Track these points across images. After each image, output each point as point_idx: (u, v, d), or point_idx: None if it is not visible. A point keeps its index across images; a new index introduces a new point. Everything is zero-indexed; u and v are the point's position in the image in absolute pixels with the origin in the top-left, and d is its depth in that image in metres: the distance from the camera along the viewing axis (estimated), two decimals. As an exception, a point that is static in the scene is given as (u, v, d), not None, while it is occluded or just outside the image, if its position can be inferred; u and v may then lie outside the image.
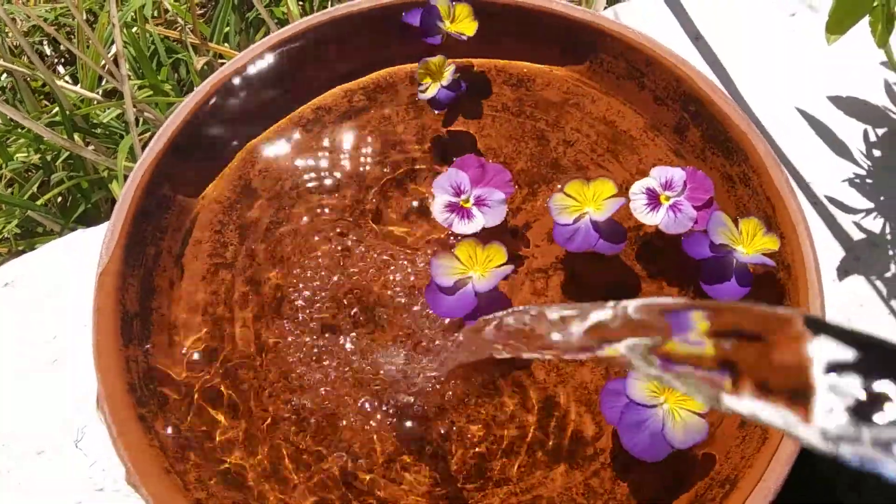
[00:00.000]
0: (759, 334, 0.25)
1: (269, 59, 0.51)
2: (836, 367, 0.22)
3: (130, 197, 0.46)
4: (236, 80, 0.50)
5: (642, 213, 0.46)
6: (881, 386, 0.20)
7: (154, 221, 0.47)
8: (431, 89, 0.49)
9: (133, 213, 0.46)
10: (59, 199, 0.87)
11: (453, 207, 0.46)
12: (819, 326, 0.23)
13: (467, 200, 0.46)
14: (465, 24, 0.50)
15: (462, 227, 0.46)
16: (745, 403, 0.23)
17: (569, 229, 0.45)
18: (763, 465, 0.41)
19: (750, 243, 0.45)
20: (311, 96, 0.51)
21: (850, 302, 0.50)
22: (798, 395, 0.22)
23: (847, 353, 0.22)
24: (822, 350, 0.23)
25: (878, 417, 0.20)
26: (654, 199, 0.46)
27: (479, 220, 0.46)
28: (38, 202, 0.82)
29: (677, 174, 0.47)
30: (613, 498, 0.42)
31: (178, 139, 0.48)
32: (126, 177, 0.78)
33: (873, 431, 0.20)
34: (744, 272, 0.45)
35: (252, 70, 0.51)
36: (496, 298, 0.44)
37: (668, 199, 0.46)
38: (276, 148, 0.50)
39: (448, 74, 0.49)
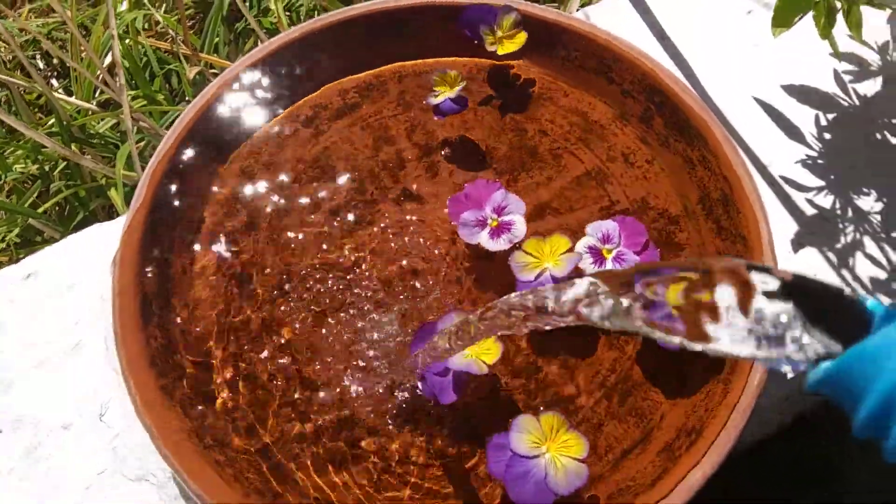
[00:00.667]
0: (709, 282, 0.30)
1: (271, 60, 0.55)
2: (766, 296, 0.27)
3: (144, 191, 0.50)
4: (240, 80, 0.55)
5: (593, 270, 0.49)
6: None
7: (167, 211, 0.51)
8: (440, 97, 0.54)
9: (149, 204, 0.50)
10: (57, 208, 0.91)
11: (494, 232, 0.50)
12: (754, 268, 0.28)
13: (493, 221, 0.50)
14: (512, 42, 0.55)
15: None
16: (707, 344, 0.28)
17: (531, 286, 0.47)
18: (725, 415, 0.46)
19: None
20: (308, 94, 0.56)
21: (804, 272, 0.55)
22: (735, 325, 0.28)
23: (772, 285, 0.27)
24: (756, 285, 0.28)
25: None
26: (598, 256, 0.49)
27: (517, 218, 0.50)
28: (38, 210, 0.85)
29: (611, 227, 0.49)
30: (592, 451, 0.46)
31: (186, 136, 0.52)
32: (125, 184, 0.82)
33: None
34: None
35: (255, 70, 0.55)
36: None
37: (609, 252, 0.49)
38: (276, 142, 0.54)
39: (458, 89, 0.54)
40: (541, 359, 0.48)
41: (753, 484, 0.77)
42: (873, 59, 0.62)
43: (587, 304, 0.33)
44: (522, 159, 0.55)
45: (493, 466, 0.42)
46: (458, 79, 0.54)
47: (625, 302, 0.30)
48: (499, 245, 0.49)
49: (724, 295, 0.28)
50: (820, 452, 0.80)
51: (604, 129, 0.56)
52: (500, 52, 0.55)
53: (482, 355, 0.44)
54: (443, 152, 0.55)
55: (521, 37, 0.55)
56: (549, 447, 0.42)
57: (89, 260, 0.54)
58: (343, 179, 0.53)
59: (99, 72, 0.89)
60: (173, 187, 0.51)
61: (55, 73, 1.03)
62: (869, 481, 0.78)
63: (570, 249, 0.48)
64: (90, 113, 0.90)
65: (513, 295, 0.37)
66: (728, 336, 0.27)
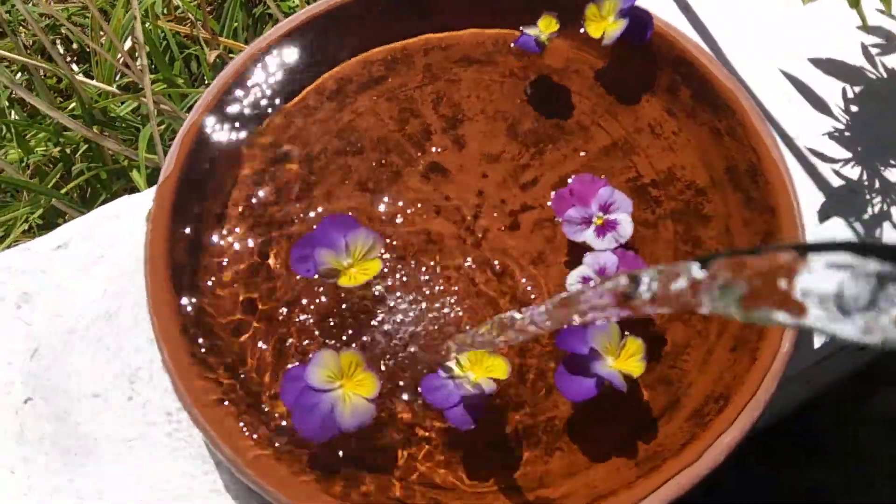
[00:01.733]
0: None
1: (297, 34, 0.56)
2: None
3: (174, 161, 0.50)
4: (267, 53, 0.55)
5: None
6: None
7: (197, 185, 0.51)
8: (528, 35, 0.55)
9: (178, 175, 0.50)
10: (79, 190, 0.91)
11: (600, 231, 0.49)
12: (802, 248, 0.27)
13: (598, 219, 0.49)
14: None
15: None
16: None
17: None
18: (754, 382, 0.46)
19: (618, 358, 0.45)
20: (334, 67, 0.56)
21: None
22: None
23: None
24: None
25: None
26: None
27: (625, 217, 0.49)
28: (61, 192, 0.86)
29: (610, 261, 0.48)
30: (617, 418, 0.46)
31: (215, 108, 0.52)
32: (147, 166, 0.82)
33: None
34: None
35: (281, 44, 0.55)
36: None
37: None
38: (304, 115, 0.54)
39: (549, 34, 0.54)
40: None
41: (769, 462, 0.77)
42: (901, 32, 0.62)
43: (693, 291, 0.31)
44: (549, 131, 0.55)
45: (285, 397, 0.44)
46: (552, 24, 0.55)
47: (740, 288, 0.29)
48: (604, 244, 0.49)
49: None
50: (842, 432, 0.80)
51: (630, 101, 0.56)
52: (594, 34, 0.55)
53: (491, 372, 0.44)
54: (469, 124, 0.55)
55: (621, 23, 0.54)
56: (343, 384, 0.43)
57: (118, 231, 0.55)
58: (369, 151, 0.54)
59: (120, 55, 0.89)
60: (202, 157, 0.51)
61: (76, 58, 1.03)
62: (892, 467, 0.78)
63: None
64: (111, 96, 0.91)
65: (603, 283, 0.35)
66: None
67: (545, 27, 0.55)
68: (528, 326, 0.39)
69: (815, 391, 0.73)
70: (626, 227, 0.49)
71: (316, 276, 0.46)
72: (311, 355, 0.44)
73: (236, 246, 0.50)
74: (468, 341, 0.44)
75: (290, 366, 0.46)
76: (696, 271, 0.30)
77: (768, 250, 0.28)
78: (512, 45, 0.56)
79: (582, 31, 0.55)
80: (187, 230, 0.50)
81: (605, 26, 0.55)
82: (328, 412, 0.43)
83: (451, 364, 0.44)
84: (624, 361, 0.44)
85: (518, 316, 0.40)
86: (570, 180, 0.52)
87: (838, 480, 0.78)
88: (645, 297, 0.33)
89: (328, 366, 0.43)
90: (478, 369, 0.44)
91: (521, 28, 0.56)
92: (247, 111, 0.54)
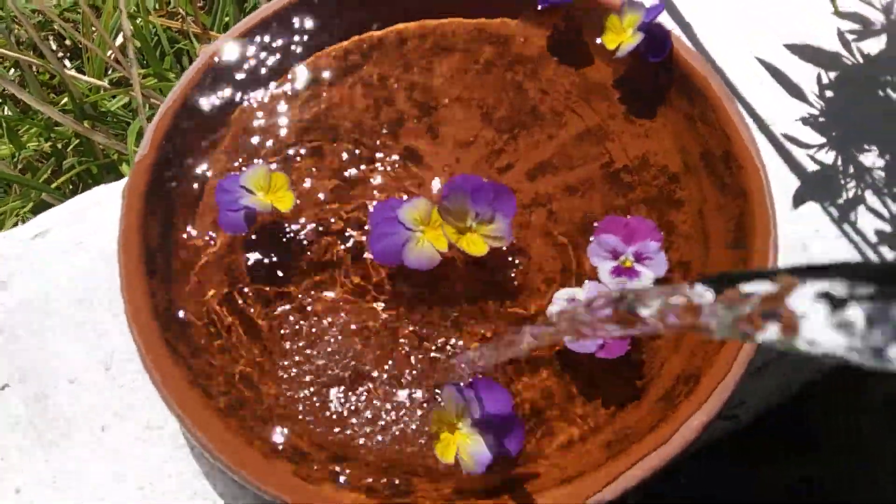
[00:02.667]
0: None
1: (270, 24, 0.56)
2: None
3: (149, 145, 0.51)
4: (238, 43, 0.55)
5: None
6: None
7: (171, 170, 0.51)
8: None
9: (152, 160, 0.51)
10: (71, 185, 0.92)
11: (618, 271, 0.48)
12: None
13: (627, 260, 0.48)
14: None
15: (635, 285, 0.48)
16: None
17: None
18: (723, 363, 0.46)
19: None
20: (309, 55, 0.56)
21: (806, 227, 0.55)
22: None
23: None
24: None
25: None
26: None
27: (648, 275, 0.48)
28: (52, 186, 0.86)
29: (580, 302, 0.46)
30: (588, 399, 0.47)
31: (190, 95, 0.53)
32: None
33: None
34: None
35: (257, 32, 0.56)
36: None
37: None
38: (279, 101, 0.55)
39: None
40: (540, 311, 0.49)
41: (753, 457, 0.77)
42: (878, 18, 0.62)
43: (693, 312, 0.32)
44: (523, 118, 0.55)
45: (372, 216, 0.49)
46: None
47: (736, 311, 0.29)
48: (612, 283, 0.48)
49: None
50: (838, 422, 0.79)
51: (605, 89, 0.56)
52: (609, 45, 0.55)
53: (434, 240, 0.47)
54: (443, 111, 0.55)
55: (638, 36, 0.54)
56: (425, 231, 0.48)
57: (99, 218, 0.55)
58: (343, 138, 0.54)
59: (110, 51, 0.90)
60: (175, 145, 0.52)
61: (68, 54, 1.04)
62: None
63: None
64: (102, 91, 0.91)
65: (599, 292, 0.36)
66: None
67: None
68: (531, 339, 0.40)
69: (806, 382, 0.73)
70: (641, 281, 0.48)
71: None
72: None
73: (209, 230, 0.51)
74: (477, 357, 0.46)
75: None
76: (702, 293, 0.31)
77: (765, 274, 0.28)
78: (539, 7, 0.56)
79: (563, 21, 0.56)
80: (160, 213, 0.50)
81: (622, 38, 0.54)
82: (398, 244, 0.47)
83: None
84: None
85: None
86: (629, 216, 0.51)
87: (835, 474, 0.77)
88: (646, 315, 0.33)
89: (419, 209, 0.48)
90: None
91: None
92: (221, 98, 0.54)
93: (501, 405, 0.43)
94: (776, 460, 0.76)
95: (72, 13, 1.02)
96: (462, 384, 0.43)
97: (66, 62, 1.02)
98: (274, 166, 0.53)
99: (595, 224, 0.51)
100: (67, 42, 1.03)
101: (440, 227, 0.47)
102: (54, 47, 1.03)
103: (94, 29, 0.93)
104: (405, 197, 0.51)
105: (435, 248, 0.47)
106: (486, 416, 0.42)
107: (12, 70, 1.00)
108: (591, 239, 0.50)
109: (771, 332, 0.27)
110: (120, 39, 0.95)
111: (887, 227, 0.55)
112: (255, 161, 0.53)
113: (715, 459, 0.74)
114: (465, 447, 0.42)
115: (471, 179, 0.48)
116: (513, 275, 0.50)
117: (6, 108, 0.95)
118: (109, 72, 0.95)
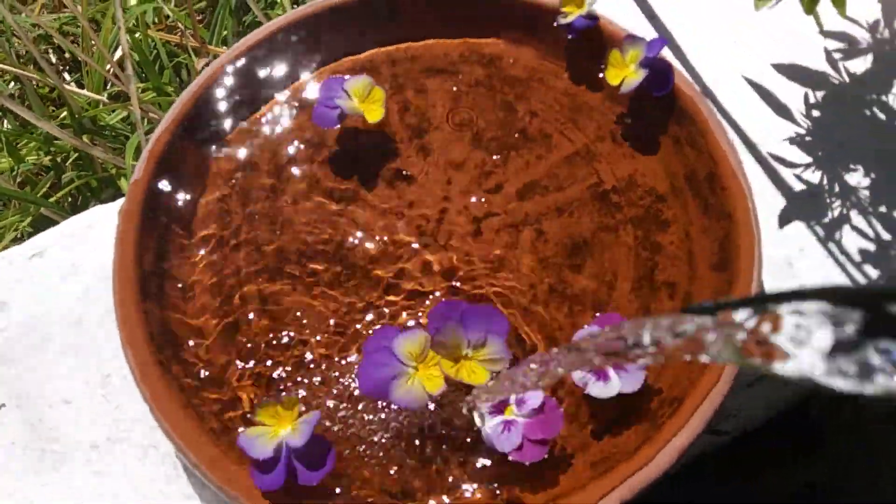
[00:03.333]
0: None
1: (266, 45, 0.57)
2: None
3: (143, 166, 0.52)
4: (234, 64, 0.56)
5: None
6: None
7: (166, 192, 0.52)
8: (571, 17, 0.55)
9: (146, 187, 0.51)
10: (70, 198, 0.93)
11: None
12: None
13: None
14: None
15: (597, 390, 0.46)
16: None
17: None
18: (707, 384, 0.46)
19: None
20: (302, 77, 0.57)
21: (793, 246, 0.55)
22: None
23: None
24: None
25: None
26: (499, 406, 0.45)
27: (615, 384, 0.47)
28: (51, 200, 0.87)
29: (535, 400, 0.45)
30: (575, 419, 0.47)
31: (183, 121, 0.54)
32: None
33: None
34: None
35: (249, 55, 0.57)
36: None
37: (511, 412, 0.45)
38: (271, 124, 0.56)
39: (587, 6, 0.55)
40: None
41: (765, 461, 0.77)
42: (863, 37, 0.62)
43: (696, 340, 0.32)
44: (512, 139, 0.56)
45: (367, 344, 0.46)
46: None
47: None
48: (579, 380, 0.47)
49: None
50: (840, 428, 0.79)
51: (593, 110, 0.57)
52: (612, 81, 0.55)
53: (426, 381, 0.45)
54: (434, 132, 0.56)
55: (641, 73, 0.54)
56: (418, 367, 0.45)
57: (93, 240, 0.56)
58: (336, 159, 0.55)
59: (109, 65, 0.91)
60: (171, 168, 0.53)
61: (67, 68, 1.05)
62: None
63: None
64: (101, 105, 0.92)
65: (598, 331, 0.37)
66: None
67: (579, 6, 0.55)
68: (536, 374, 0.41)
69: (803, 392, 0.73)
70: (605, 388, 0.46)
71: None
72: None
73: (203, 253, 0.51)
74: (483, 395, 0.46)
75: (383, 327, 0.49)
76: (700, 321, 0.31)
77: (754, 302, 0.29)
78: (554, 24, 0.57)
79: (552, 42, 0.57)
80: (155, 237, 0.51)
81: (625, 74, 0.55)
82: (387, 378, 0.44)
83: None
84: None
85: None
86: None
87: (838, 478, 0.77)
88: (648, 347, 0.34)
89: (416, 343, 0.45)
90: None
91: (556, 22, 0.56)
92: (215, 121, 0.55)
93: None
94: (780, 465, 0.77)
95: (71, 27, 1.03)
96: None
97: (66, 75, 1.03)
98: (268, 184, 0.54)
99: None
100: (67, 55, 1.04)
101: (435, 365, 0.45)
102: (54, 60, 1.04)
103: (93, 43, 0.94)
104: (400, 329, 0.47)
105: (426, 389, 0.44)
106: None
107: (12, 84, 1.01)
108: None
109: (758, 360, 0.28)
110: (119, 53, 0.96)
111: (872, 247, 0.55)
112: (254, 172, 0.54)
113: (717, 467, 0.75)
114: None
115: (454, 306, 0.46)
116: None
117: (6, 122, 0.96)
118: (108, 86, 0.96)
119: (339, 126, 0.55)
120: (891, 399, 0.25)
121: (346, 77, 0.55)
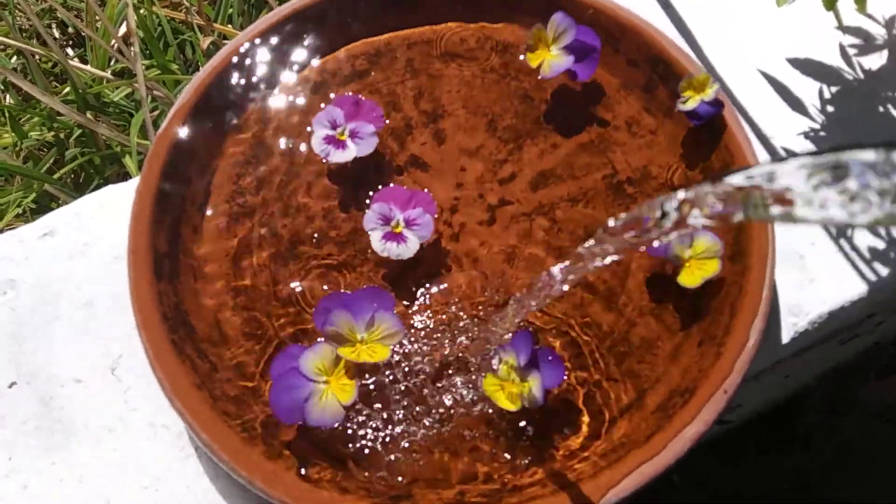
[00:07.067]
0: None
1: (281, 28, 0.56)
2: None
3: (158, 152, 0.51)
4: (251, 46, 0.56)
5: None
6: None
7: (179, 174, 0.52)
8: (692, 102, 0.53)
9: (160, 168, 0.51)
10: (73, 175, 0.92)
11: (330, 140, 0.52)
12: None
13: (343, 133, 0.52)
14: None
15: (337, 156, 0.52)
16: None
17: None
18: (718, 375, 0.47)
19: None
20: (317, 60, 0.57)
21: (804, 240, 0.56)
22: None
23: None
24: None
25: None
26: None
27: (352, 150, 0.52)
28: (54, 176, 0.87)
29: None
30: (587, 409, 0.48)
31: (198, 101, 0.53)
32: (139, 152, 0.83)
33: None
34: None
35: (265, 38, 0.56)
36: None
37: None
38: (287, 107, 0.55)
39: (711, 92, 0.52)
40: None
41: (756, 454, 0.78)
42: (879, 33, 0.62)
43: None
44: (527, 127, 0.56)
45: (273, 369, 0.46)
46: (709, 80, 0.53)
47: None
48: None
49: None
50: (827, 426, 0.81)
51: (608, 99, 0.57)
52: (532, 63, 0.55)
53: (338, 393, 0.45)
54: (449, 119, 0.56)
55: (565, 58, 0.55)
56: (329, 381, 0.45)
57: (103, 220, 0.56)
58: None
59: (114, 41, 0.90)
60: (185, 148, 0.52)
61: (70, 43, 1.04)
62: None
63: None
64: (105, 81, 0.91)
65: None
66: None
67: (700, 90, 0.53)
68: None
69: (800, 385, 0.74)
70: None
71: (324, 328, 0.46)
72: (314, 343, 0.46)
73: (217, 235, 0.51)
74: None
75: (289, 346, 0.48)
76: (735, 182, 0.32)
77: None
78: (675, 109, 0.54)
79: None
80: (169, 219, 0.51)
81: (546, 56, 0.54)
82: (301, 400, 0.44)
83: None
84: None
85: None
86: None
87: (825, 472, 0.78)
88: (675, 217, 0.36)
89: (323, 357, 0.45)
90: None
91: (677, 107, 0.54)
92: (229, 103, 0.55)
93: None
94: (769, 459, 0.77)
95: (75, 1, 1.02)
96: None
97: (69, 50, 1.02)
98: (281, 168, 0.54)
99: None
100: (71, 30, 1.03)
101: (344, 373, 0.45)
102: (57, 35, 1.03)
103: (97, 18, 0.93)
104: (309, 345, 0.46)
105: (339, 401, 0.44)
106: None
107: (14, 58, 1.00)
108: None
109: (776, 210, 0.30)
110: (123, 29, 0.95)
111: (881, 243, 0.56)
112: (269, 154, 0.54)
113: (708, 457, 0.75)
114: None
115: (334, 297, 0.47)
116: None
117: (8, 97, 0.95)
118: (112, 62, 0.95)
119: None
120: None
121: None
